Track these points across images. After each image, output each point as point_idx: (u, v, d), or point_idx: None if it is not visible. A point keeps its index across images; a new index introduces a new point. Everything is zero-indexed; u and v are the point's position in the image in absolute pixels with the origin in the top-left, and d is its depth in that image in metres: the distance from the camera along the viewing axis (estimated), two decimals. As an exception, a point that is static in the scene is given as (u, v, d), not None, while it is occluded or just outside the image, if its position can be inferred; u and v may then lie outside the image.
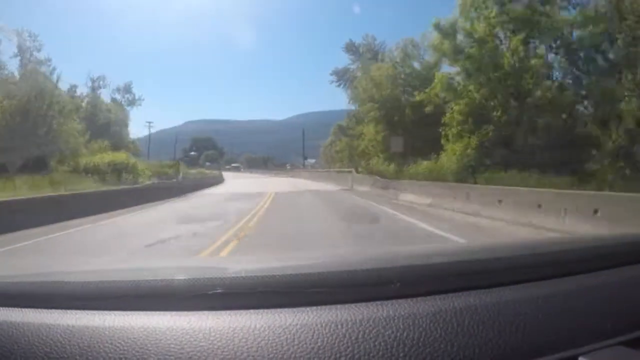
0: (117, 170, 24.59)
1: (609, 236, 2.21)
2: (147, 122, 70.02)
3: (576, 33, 16.71)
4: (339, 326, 0.76)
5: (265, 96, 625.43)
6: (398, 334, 0.75)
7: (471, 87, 16.94)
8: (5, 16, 67.70)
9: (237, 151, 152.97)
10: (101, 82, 45.48)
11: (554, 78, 17.63)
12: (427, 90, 20.36)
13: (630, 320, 0.88)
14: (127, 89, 49.48)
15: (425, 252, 1.59)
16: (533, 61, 16.73)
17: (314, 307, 0.83)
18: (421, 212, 11.51)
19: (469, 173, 14.97)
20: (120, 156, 27.46)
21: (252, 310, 0.83)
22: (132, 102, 49.59)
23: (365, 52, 35.58)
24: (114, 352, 0.75)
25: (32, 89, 24.98)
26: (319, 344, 0.73)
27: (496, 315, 0.81)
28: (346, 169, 30.41)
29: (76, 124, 28.79)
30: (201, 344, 0.74)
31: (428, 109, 20.18)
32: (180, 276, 0.97)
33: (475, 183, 13.06)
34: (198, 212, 12.77)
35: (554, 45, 17.48)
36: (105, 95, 45.27)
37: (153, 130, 62.91)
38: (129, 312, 0.85)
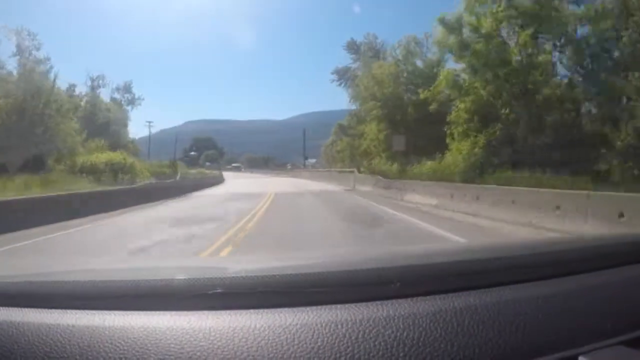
0: (114, 170, 24.04)
1: (609, 236, 2.18)
2: (147, 121, 69.61)
3: (583, 29, 16.35)
4: (339, 326, 0.76)
5: (265, 96, 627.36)
6: (398, 334, 0.75)
7: (477, 84, 16.35)
8: (6, 16, 67.42)
9: (237, 151, 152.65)
10: (100, 82, 45.46)
11: (560, 76, 17.12)
12: (431, 87, 19.79)
13: (630, 320, 0.87)
14: (127, 89, 49.42)
15: (425, 252, 1.58)
16: (541, 57, 16.17)
17: (314, 307, 0.83)
18: (433, 216, 10.81)
19: (476, 173, 14.36)
20: (117, 156, 27.01)
21: (252, 310, 0.83)
22: (132, 102, 49.58)
23: (367, 51, 35.01)
24: (114, 352, 0.75)
25: (28, 88, 24.92)
26: (319, 343, 0.73)
27: (496, 315, 0.81)
28: (348, 169, 29.90)
29: (73, 122, 28.39)
30: (201, 343, 0.74)
31: (432, 106, 19.74)
32: (180, 276, 0.95)
33: (484, 183, 12.45)
34: (193, 213, 12.31)
35: (558, 44, 16.96)
36: (105, 95, 45.30)
37: (154, 130, 62.69)
38: (128, 312, 0.85)
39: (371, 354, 0.71)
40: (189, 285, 0.92)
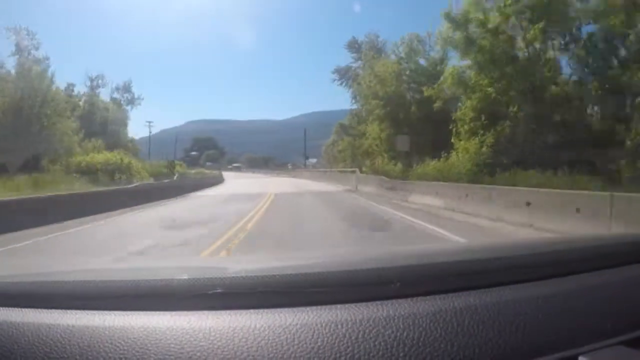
0: (110, 170, 23.52)
1: (609, 236, 2.24)
2: (147, 121, 69.13)
3: (587, 28, 15.98)
4: (339, 326, 0.77)
5: (266, 96, 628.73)
6: (398, 334, 0.75)
7: (484, 81, 15.73)
8: (6, 16, 67.09)
9: (238, 151, 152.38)
10: (100, 81, 45.04)
11: (566, 73, 16.65)
12: (435, 85, 19.23)
13: (630, 320, 0.88)
14: (127, 88, 49.10)
15: (425, 252, 1.59)
16: (549, 53, 15.59)
17: (314, 307, 0.83)
18: (448, 220, 9.90)
19: (484, 173, 13.73)
20: (114, 156, 26.56)
21: (252, 310, 0.84)
22: (132, 102, 49.34)
23: (368, 50, 34.42)
24: (114, 352, 0.75)
25: (25, 87, 24.89)
26: (319, 343, 0.73)
27: (496, 315, 0.82)
28: (349, 169, 29.32)
29: (71, 122, 28.02)
30: (201, 343, 0.74)
31: (437, 104, 19.15)
32: (180, 276, 0.95)
33: (494, 183, 11.83)
34: (187, 215, 11.80)
35: (563, 41, 16.46)
36: (105, 95, 45.00)
37: (155, 131, 62.39)
38: (128, 312, 0.86)
39: (371, 354, 0.71)
40: (189, 285, 0.92)
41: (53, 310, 0.88)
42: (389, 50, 32.39)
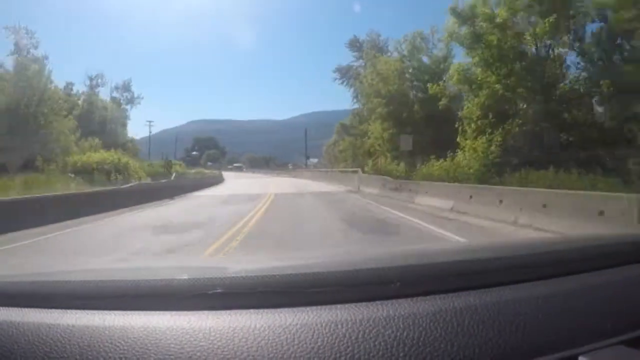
0: (106, 170, 23.00)
1: (609, 235, 2.09)
2: (147, 121, 68.69)
3: (592, 26, 15.39)
4: (339, 326, 0.77)
5: (267, 96, 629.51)
6: (398, 334, 0.75)
7: (491, 78, 15.15)
8: (5, 16, 66.70)
9: (239, 151, 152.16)
10: (99, 80, 44.59)
11: (574, 70, 16.11)
12: (440, 82, 18.67)
13: (630, 319, 0.88)
14: (126, 88, 48.56)
15: (425, 252, 1.60)
16: (559, 49, 15.04)
17: (314, 307, 0.83)
18: (464, 224, 8.91)
19: (492, 173, 13.15)
20: (111, 155, 26.09)
21: (252, 310, 0.84)
22: (131, 101, 48.96)
23: (370, 49, 33.90)
24: (114, 352, 0.75)
25: (22, 86, 24.75)
26: (319, 343, 0.73)
27: (496, 315, 0.82)
28: (351, 169, 28.72)
29: (68, 121, 27.58)
30: (201, 343, 0.75)
31: (442, 102, 18.59)
32: (180, 276, 0.95)
33: (504, 184, 11.25)
34: (181, 218, 11.40)
35: (571, 38, 15.91)
36: (104, 94, 44.53)
37: (156, 131, 62.05)
38: (129, 312, 0.86)
39: (371, 354, 0.72)
40: (189, 285, 0.92)
41: (53, 310, 0.89)
42: (391, 49, 32.01)
